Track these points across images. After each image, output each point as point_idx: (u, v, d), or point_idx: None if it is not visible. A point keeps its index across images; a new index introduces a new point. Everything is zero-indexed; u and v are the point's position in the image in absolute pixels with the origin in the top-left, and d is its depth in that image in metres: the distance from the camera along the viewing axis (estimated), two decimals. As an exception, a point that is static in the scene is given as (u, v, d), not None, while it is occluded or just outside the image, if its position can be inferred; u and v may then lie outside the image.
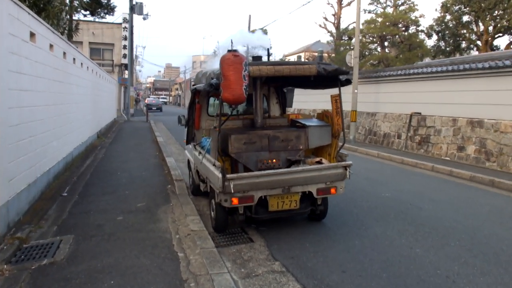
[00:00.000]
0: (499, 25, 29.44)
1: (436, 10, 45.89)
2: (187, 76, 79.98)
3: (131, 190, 7.79)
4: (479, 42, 31.09)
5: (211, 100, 7.16)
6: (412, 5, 25.55)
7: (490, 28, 29.89)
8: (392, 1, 26.64)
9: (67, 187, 7.98)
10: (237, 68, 4.41)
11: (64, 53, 9.24)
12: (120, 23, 32.26)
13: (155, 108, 46.26)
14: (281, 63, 4.98)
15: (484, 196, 8.29)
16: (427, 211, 6.78)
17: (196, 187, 7.43)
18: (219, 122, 4.91)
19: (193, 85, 6.83)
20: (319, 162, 5.39)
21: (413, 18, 24.66)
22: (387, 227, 5.87)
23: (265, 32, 51.11)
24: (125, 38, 32.04)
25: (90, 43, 31.66)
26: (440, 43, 32.79)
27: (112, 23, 32.35)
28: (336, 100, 5.47)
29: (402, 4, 25.95)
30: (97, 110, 16.27)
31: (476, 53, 30.58)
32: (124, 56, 32.36)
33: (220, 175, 4.82)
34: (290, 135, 5.35)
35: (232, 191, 4.70)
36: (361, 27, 21.12)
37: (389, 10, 26.89)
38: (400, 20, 22.56)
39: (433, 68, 14.89)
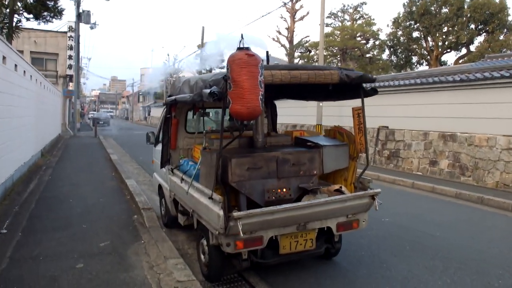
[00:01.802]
0: (446, 42, 30.41)
1: (388, 25, 47.21)
2: (135, 89, 77.18)
3: (89, 223, 6.40)
4: (429, 57, 31.95)
5: (190, 114, 6.02)
6: (369, 19, 25.64)
7: (440, 43, 30.84)
8: (349, 15, 26.66)
9: (7, 220, 6.45)
10: (252, 72, 3.34)
11: (4, 58, 7.70)
12: (65, 32, 30.01)
13: (102, 122, 43.71)
14: (298, 67, 3.97)
15: (483, 216, 7.69)
16: (441, 239, 5.98)
17: (171, 218, 6.20)
18: (220, 142, 3.78)
19: (169, 96, 5.65)
20: (338, 190, 4.40)
21: (374, 30, 24.68)
22: (411, 264, 4.96)
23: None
24: (71, 48, 29.85)
25: (31, 52, 29.11)
26: (392, 58, 33.43)
27: (56, 31, 30.05)
28: (359, 114, 4.52)
29: (359, 18, 25.99)
30: (41, 124, 14.44)
31: (427, 67, 31.41)
32: (70, 66, 30.11)
33: (221, 213, 3.69)
34: (302, 157, 4.32)
35: (241, 233, 3.58)
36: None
37: (347, 23, 26.88)
38: (360, 33, 22.43)
39: (400, 81, 14.55)
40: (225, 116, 7.22)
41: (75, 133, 27.56)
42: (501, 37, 28.75)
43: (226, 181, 4.00)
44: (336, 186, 4.44)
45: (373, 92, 4.44)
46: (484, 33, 29.23)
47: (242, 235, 3.59)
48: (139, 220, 6.60)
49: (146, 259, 4.93)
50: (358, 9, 27.75)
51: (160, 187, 6.65)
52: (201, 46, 38.12)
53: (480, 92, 11.56)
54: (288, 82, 3.77)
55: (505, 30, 28.76)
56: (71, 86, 33.21)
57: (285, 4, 29.41)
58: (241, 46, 3.46)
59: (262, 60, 3.50)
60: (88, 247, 5.34)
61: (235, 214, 3.56)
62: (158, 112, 51.34)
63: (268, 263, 4.17)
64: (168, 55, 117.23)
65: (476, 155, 11.48)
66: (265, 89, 3.52)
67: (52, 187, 9.22)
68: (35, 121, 12.84)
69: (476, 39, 29.78)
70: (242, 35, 3.48)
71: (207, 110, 6.15)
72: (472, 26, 28.99)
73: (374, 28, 26.69)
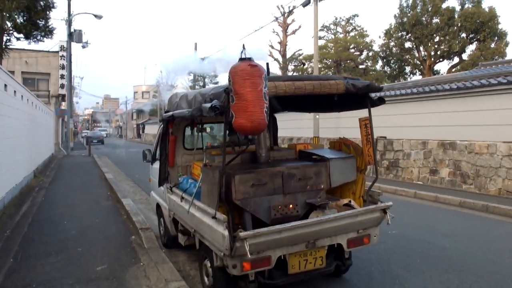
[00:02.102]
0: (438, 52, 30.62)
1: (380, 37, 47.64)
2: (129, 107, 77.00)
3: (85, 246, 6.12)
4: (422, 67, 32.11)
5: (188, 130, 5.83)
6: (361, 31, 25.73)
7: (433, 53, 31.03)
8: (341, 28, 26.76)
9: (-2, 246, 6.17)
10: (255, 83, 3.16)
11: (-7, 78, 7.50)
12: (57, 51, 29.83)
13: (96, 141, 43.34)
14: (302, 77, 3.78)
15: (491, 225, 7.49)
16: (451, 250, 5.77)
17: (171, 238, 5.94)
18: (223, 158, 3.56)
19: (166, 112, 5.45)
20: (348, 205, 4.20)
21: (367, 42, 24.76)
22: (425, 279, 4.74)
23: (211, 60, 50.27)
24: (63, 67, 29.64)
25: (23, 72, 28.88)
26: (385, 68, 33.56)
27: (48, 51, 29.88)
28: (366, 125, 4.34)
29: (352, 30, 26.08)
30: (33, 145, 14.15)
31: (420, 77, 31.56)
32: (62, 86, 29.86)
33: (226, 233, 3.47)
34: (309, 171, 4.11)
35: (248, 254, 3.35)
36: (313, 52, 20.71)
37: (340, 36, 26.96)
38: (353, 45, 22.47)
39: (396, 91, 14.47)
40: (223, 131, 7.07)
41: (68, 153, 27.22)
42: (492, 45, 29.00)
43: (230, 198, 3.78)
44: (345, 201, 4.23)
45: (380, 101, 4.27)
46: (476, 42, 29.48)
47: (249, 256, 3.36)
48: (137, 241, 6.33)
49: (146, 283, 4.67)
50: (351, 21, 27.94)
51: (158, 206, 6.41)
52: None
53: (478, 99, 11.48)
54: (292, 93, 3.58)
55: (496, 38, 29.03)
56: (64, 105, 32.95)
57: (277, 18, 29.54)
58: (243, 56, 3.28)
59: (265, 71, 3.31)
60: (84, 271, 5.06)
61: (241, 234, 3.34)
62: (152, 129, 51.19)
63: (277, 284, 3.93)
64: (161, 72, 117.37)
65: (477, 162, 11.35)
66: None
67: (46, 209, 8.93)
68: (27, 141, 12.57)
69: (468, 47, 30.02)
70: (244, 45, 3.30)
71: (205, 126, 5.97)
72: (464, 35, 29.25)
73: (367, 39, 26.82)
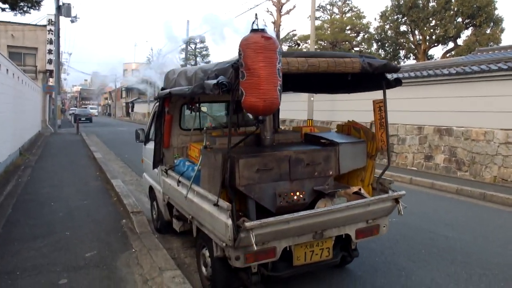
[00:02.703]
0: (434, 36, 30.31)
1: (375, 19, 47.03)
2: (118, 85, 75.70)
3: (73, 230, 5.82)
4: (416, 51, 31.84)
5: (185, 109, 5.49)
6: (358, 12, 25.26)
7: (428, 37, 30.73)
8: (338, 8, 26.25)
9: (-19, 228, 5.84)
10: (269, 58, 2.83)
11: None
12: (45, 25, 28.88)
13: (84, 119, 42.55)
14: (316, 54, 3.46)
15: (490, 214, 7.35)
16: (455, 240, 5.59)
17: (164, 223, 5.66)
18: (229, 140, 3.25)
19: (162, 89, 5.10)
20: (357, 193, 3.94)
21: (364, 23, 24.33)
22: (432, 271, 4.54)
23: (202, 39, 49.46)
24: (51, 42, 28.75)
25: (9, 46, 27.92)
26: (380, 51, 33.21)
27: (35, 25, 28.90)
28: (380, 108, 4.05)
29: (349, 11, 25.59)
30: (19, 121, 13.65)
31: (414, 61, 31.32)
32: (50, 61, 29.03)
33: (229, 222, 3.19)
34: (317, 156, 3.82)
35: (254, 246, 3.07)
36: (308, 32, 20.27)
37: (336, 17, 26.45)
38: (350, 27, 22.04)
39: (392, 75, 14.18)
40: (222, 111, 6.73)
41: (56, 130, 26.62)
42: (488, 31, 28.76)
43: (233, 184, 3.48)
44: (355, 188, 3.96)
45: (397, 83, 3.97)
46: (471, 27, 29.20)
47: (255, 247, 3.09)
48: (128, 225, 6.04)
49: (139, 271, 4.40)
50: (347, 2, 27.41)
51: (151, 189, 6.10)
52: (187, 40, 37.38)
53: (477, 85, 11.25)
54: (305, 71, 3.26)
55: (492, 24, 28.77)
56: (51, 81, 32.15)
57: (271, -3, 28.87)
58: (255, 27, 2.93)
59: (280, 45, 2.98)
60: (73, 258, 4.77)
61: (247, 224, 3.05)
62: (142, 108, 50.43)
63: (281, 276, 3.69)
64: (151, 49, 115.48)
65: (473, 149, 11.20)
66: None
67: (32, 189, 8.57)
68: (13, 117, 12.09)
69: (463, 32, 29.74)
70: (256, 14, 2.95)
71: (203, 105, 5.64)
72: (460, 19, 28.91)
73: (364, 21, 26.38)
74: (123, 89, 70.48)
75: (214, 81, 3.11)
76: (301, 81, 4.57)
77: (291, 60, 3.19)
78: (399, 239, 5.56)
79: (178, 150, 5.42)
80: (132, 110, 58.54)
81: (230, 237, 3.18)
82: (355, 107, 15.15)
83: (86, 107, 63.21)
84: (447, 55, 30.18)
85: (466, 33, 29.88)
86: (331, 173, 3.92)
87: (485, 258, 4.95)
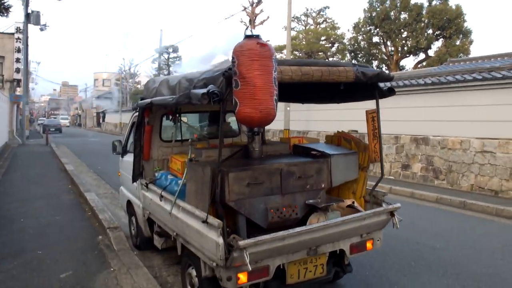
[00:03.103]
0: (405, 47, 30.95)
1: (348, 30, 47.81)
2: (88, 94, 74.24)
3: (46, 248, 5.45)
4: (389, 62, 32.43)
5: (165, 120, 5.26)
6: (332, 23, 25.52)
7: (400, 48, 31.36)
8: (312, 19, 26.45)
9: None
10: (265, 66, 2.66)
11: None
12: (13, 33, 27.93)
13: (53, 129, 41.28)
14: (309, 62, 3.31)
15: (473, 223, 7.36)
16: (442, 251, 5.52)
17: (144, 240, 5.37)
18: (219, 152, 3.04)
19: (142, 98, 4.85)
20: (351, 206, 3.79)
21: (338, 34, 24.59)
22: (425, 285, 4.43)
23: (175, 49, 49.07)
24: (19, 50, 27.78)
25: (-27, 54, 26.91)
26: (353, 62, 33.64)
27: (3, 32, 27.91)
28: (373, 118, 3.93)
29: (323, 22, 25.83)
30: (-16, 133, 13.01)
31: (386, 72, 31.75)
32: (17, 70, 28.01)
33: (220, 241, 2.97)
34: (309, 169, 3.66)
35: (249, 266, 2.86)
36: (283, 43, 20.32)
37: (311, 27, 26.65)
38: (324, 37, 22.23)
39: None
40: (201, 122, 6.52)
41: (24, 141, 25.62)
42: (458, 43, 29.58)
43: (222, 200, 3.27)
44: (348, 202, 3.82)
45: (390, 92, 3.87)
46: (442, 38, 29.96)
47: (249, 267, 2.88)
48: (105, 242, 5.71)
49: (119, 293, 4.11)
50: (322, 13, 27.72)
51: (129, 203, 5.80)
52: (159, 49, 36.96)
53: (452, 95, 11.42)
54: (298, 80, 3.10)
55: (461, 35, 29.61)
56: (19, 91, 31.00)
57: (245, 8, 28.84)
58: (250, 33, 2.75)
59: (275, 53, 2.81)
60: (46, 280, 4.43)
61: (241, 243, 2.85)
62: (113, 118, 49.39)
63: (273, 296, 3.48)
64: (123, 59, 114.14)
65: (450, 158, 11.33)
66: None
67: (-1, 204, 8.08)
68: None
69: (434, 44, 30.50)
70: (247, 22, 2.77)
71: (182, 116, 5.42)
72: (430, 31, 29.63)
73: (338, 32, 26.70)
74: (93, 99, 69.11)
75: (203, 91, 2.92)
76: (291, 90, 4.41)
77: (284, 69, 3.03)
78: (388, 252, 5.44)
79: (159, 162, 5.17)
80: (103, 120, 57.30)
81: (222, 257, 2.97)
82: (331, 117, 15.17)
83: (55, 117, 61.37)
84: (419, 66, 30.83)
85: (437, 44, 30.66)
86: (323, 185, 3.76)
87: (475, 269, 4.88)
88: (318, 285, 4.22)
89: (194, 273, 3.71)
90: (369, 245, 3.82)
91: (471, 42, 30.20)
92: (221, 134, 3.06)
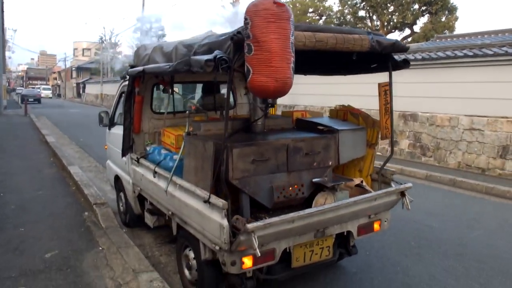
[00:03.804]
0: (391, 22, 30.65)
1: (334, 3, 46.99)
2: (68, 64, 72.05)
3: (28, 226, 5.14)
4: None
5: (157, 91, 4.93)
6: (321, -6, 24.99)
7: (386, 23, 31.05)
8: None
9: None
10: (282, 29, 2.37)
11: None
12: (-15, -3, 26.55)
13: (32, 100, 39.95)
14: (323, 28, 3.00)
15: (465, 201, 7.31)
16: (440, 230, 5.42)
17: (134, 216, 5.11)
18: (225, 125, 2.76)
19: (132, 66, 4.50)
20: (359, 186, 3.59)
21: (326, 6, 24.12)
22: (427, 266, 4.31)
23: (158, 18, 47.60)
24: (-7, 16, 26.49)
25: None
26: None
27: (-26, -4, 26.49)
28: (386, 92, 3.69)
29: (310, -7, 25.27)
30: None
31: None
32: (-8, 37, 26.80)
33: (225, 223, 2.74)
34: (316, 145, 3.43)
35: (257, 250, 2.64)
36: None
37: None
38: (312, 9, 21.75)
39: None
40: (192, 93, 6.20)
41: (1, 112, 24.73)
42: (443, 19, 29.43)
43: (225, 177, 3.01)
44: (357, 181, 3.61)
45: (405, 64, 3.62)
46: (428, 14, 29.75)
47: (258, 253, 2.65)
48: (92, 219, 5.43)
49: (110, 274, 3.87)
50: (310, -17, 27.18)
51: (117, 178, 5.50)
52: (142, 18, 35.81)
53: (442, 71, 11.26)
54: (311, 47, 2.82)
55: (447, 12, 29.44)
56: (-5, 59, 29.76)
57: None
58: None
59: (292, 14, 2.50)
60: (30, 260, 4.15)
61: (250, 226, 2.61)
62: (94, 89, 48.06)
63: (278, 279, 3.29)
64: (104, 28, 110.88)
65: (438, 135, 11.26)
66: None
67: (-24, 177, 7.68)
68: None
69: (420, 20, 30.28)
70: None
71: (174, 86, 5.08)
72: (416, 6, 29.36)
73: (326, 4, 26.24)
74: (73, 69, 67.11)
75: (208, 57, 2.61)
76: (296, 59, 4.10)
77: (298, 34, 2.72)
78: (386, 231, 5.29)
79: (150, 136, 4.87)
80: (84, 91, 55.81)
81: (226, 240, 2.74)
82: (318, 91, 14.93)
83: (34, 88, 59.31)
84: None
85: (423, 20, 30.46)
86: (330, 163, 3.54)
87: (476, 249, 4.79)
88: (320, 266, 4.07)
89: (191, 255, 3.48)
90: (376, 226, 3.64)
91: (456, 18, 30.09)
92: (227, 106, 2.77)
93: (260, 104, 2.62)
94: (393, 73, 3.80)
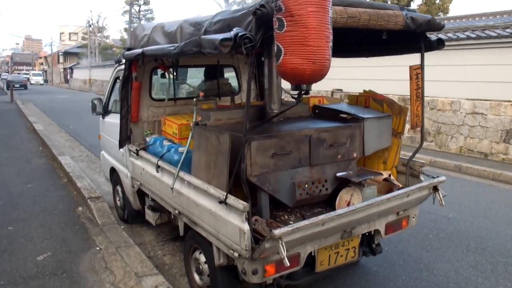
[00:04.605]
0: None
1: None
2: (54, 49, 70.40)
3: (18, 223, 4.75)
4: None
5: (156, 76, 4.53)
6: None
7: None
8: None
9: None
10: (322, 7, 1.99)
11: None
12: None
13: (18, 86, 38.91)
14: (354, 2, 2.61)
15: (476, 189, 7.04)
16: (458, 221, 5.13)
17: (133, 212, 4.75)
18: (246, 115, 2.38)
19: (128, 49, 4.08)
20: (386, 180, 3.25)
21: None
22: (452, 263, 4.01)
23: (147, 1, 46.61)
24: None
25: None
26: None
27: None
28: (418, 75, 3.34)
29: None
30: None
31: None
32: (-26, 20, 25.79)
33: (246, 227, 2.38)
34: (341, 135, 3.07)
35: (285, 258, 2.29)
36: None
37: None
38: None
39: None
40: (190, 78, 5.77)
41: (-15, 98, 23.96)
42: (438, 1, 29.02)
43: (243, 175, 2.64)
44: (385, 174, 3.27)
45: (440, 44, 3.26)
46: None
47: (287, 262, 2.31)
48: (87, 214, 5.06)
49: (110, 279, 3.52)
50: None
51: (113, 170, 5.11)
52: (130, 1, 34.97)
53: (443, 54, 10.85)
54: (343, 24, 2.43)
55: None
56: (-22, 43, 28.74)
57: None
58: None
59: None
60: (21, 263, 3.78)
61: (277, 232, 2.26)
62: (81, 74, 47.01)
63: (300, 284, 2.97)
64: (91, 11, 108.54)
65: (439, 119, 11.00)
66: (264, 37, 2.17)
67: (-40, 169, 7.22)
68: None
69: (414, 1, 29.83)
70: None
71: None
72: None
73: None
74: (60, 54, 65.59)
75: (225, 35, 2.22)
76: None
77: (328, 9, 2.33)
78: (400, 222, 5.02)
79: (149, 125, 4.47)
80: (71, 77, 54.64)
81: (248, 247, 2.39)
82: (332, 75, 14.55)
83: (20, 73, 57.78)
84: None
85: (417, 2, 30.01)
86: (355, 155, 3.19)
87: (499, 243, 4.50)
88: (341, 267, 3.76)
89: (202, 258, 3.14)
90: (404, 223, 3.33)
91: (450, 0, 29.70)
92: (249, 92, 2.38)
93: (291, 90, 2.22)
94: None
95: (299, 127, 3.05)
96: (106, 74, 38.75)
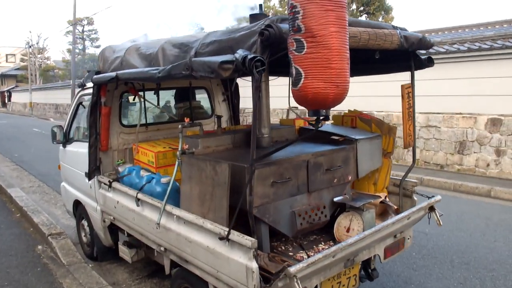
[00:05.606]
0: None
1: (274, 5, 46.90)
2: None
3: (-32, 269, 4.21)
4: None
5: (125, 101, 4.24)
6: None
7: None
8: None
9: None
10: (342, 19, 1.85)
11: None
12: None
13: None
14: (352, 21, 2.49)
15: (443, 200, 7.11)
16: (436, 236, 5.16)
17: (102, 249, 4.36)
18: (252, 143, 2.18)
19: (97, 73, 3.77)
20: (382, 202, 3.15)
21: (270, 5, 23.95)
22: (441, 281, 3.98)
23: (90, 21, 45.27)
24: None
25: None
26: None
27: None
28: (409, 94, 3.29)
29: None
30: None
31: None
32: None
33: (254, 265, 2.17)
34: (336, 158, 2.95)
35: None
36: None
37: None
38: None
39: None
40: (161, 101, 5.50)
41: None
42: (380, 19, 30.42)
43: (244, 207, 2.42)
44: (382, 196, 3.17)
45: (429, 62, 3.25)
46: (366, 14, 30.58)
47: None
48: (48, 254, 4.59)
49: (86, 329, 3.14)
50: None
51: (77, 203, 4.69)
52: (74, 21, 33.75)
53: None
54: (345, 44, 2.32)
55: (383, 12, 30.47)
56: None
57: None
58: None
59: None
60: (-22, 318, 3.31)
61: (292, 269, 2.06)
62: (22, 98, 44.55)
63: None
64: (30, 32, 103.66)
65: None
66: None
67: None
68: None
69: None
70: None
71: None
72: (354, 6, 30.10)
73: (270, 3, 26.23)
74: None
75: (226, 58, 2.04)
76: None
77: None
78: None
79: (120, 153, 4.15)
80: (9, 100, 51.68)
81: (256, 287, 2.17)
82: (280, 93, 14.55)
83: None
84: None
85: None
86: (349, 178, 3.08)
87: (480, 256, 4.54)
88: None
89: (195, 300, 2.87)
90: (401, 245, 3.24)
91: (392, 18, 31.23)
92: (255, 117, 2.18)
93: (314, 114, 2.05)
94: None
95: (295, 151, 2.89)
96: (48, 97, 36.96)
